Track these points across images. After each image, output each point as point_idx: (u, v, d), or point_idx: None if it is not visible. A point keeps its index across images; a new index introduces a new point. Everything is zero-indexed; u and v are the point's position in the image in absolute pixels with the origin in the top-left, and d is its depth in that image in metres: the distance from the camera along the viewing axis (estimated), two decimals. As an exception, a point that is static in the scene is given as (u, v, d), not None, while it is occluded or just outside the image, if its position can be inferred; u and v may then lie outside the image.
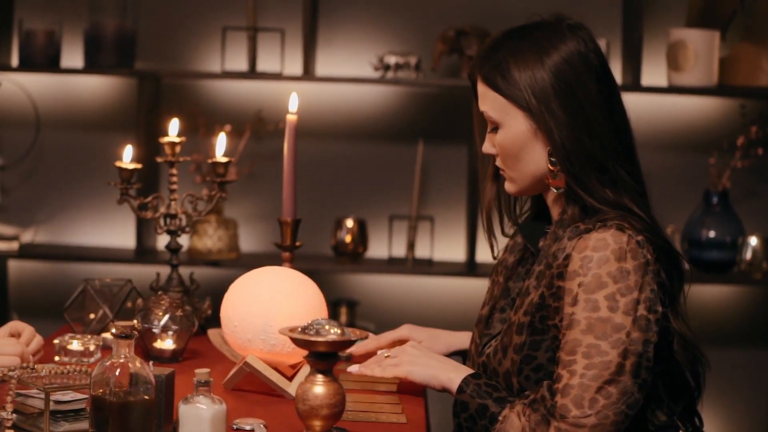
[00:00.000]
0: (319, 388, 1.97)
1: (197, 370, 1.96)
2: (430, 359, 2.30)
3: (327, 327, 1.97)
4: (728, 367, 4.46)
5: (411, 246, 4.37)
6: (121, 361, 1.87)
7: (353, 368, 2.37)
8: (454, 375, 2.22)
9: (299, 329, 1.99)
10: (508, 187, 2.28)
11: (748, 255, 4.29)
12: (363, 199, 4.48)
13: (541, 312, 2.16)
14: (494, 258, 2.42)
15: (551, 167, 2.19)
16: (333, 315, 4.25)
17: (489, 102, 2.23)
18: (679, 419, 2.25)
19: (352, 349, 2.52)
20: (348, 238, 4.34)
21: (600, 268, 2.08)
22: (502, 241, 2.41)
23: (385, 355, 2.35)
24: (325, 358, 1.97)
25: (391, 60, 4.24)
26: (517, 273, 2.34)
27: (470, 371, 2.23)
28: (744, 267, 4.29)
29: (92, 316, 2.79)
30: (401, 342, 2.54)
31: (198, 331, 2.71)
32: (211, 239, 4.28)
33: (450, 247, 4.48)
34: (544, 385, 2.11)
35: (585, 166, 2.15)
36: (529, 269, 2.31)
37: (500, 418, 2.12)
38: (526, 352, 2.17)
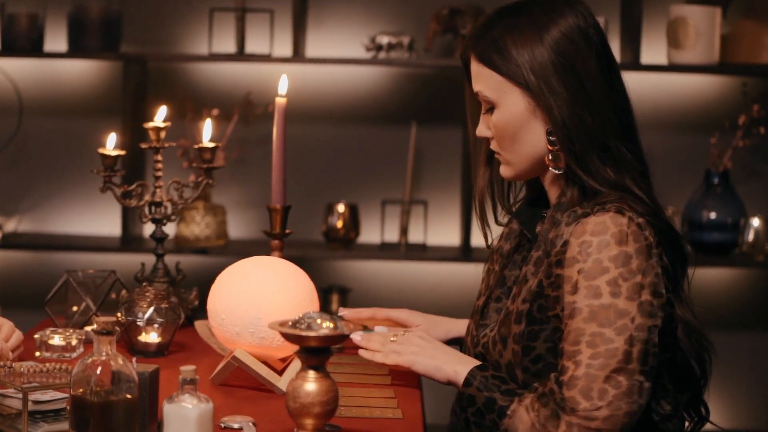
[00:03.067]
0: (311, 384, 1.89)
1: (182, 368, 1.89)
2: (435, 350, 2.22)
3: (319, 321, 1.90)
4: (730, 350, 4.45)
5: (404, 231, 4.34)
6: (103, 358, 1.82)
7: (356, 335, 2.29)
8: (459, 367, 2.15)
9: (290, 323, 1.92)
10: (504, 171, 2.21)
11: (750, 236, 4.28)
12: (355, 184, 4.44)
13: (539, 301, 2.10)
14: (488, 247, 2.35)
15: (551, 147, 2.11)
16: (324, 303, 4.21)
17: (484, 80, 2.16)
18: (684, 409, 2.20)
19: (344, 313, 2.45)
20: (339, 224, 4.29)
21: (600, 253, 2.01)
22: (496, 230, 2.35)
23: (391, 338, 2.27)
24: (317, 354, 1.90)
25: (384, 40, 4.21)
26: (513, 261, 2.29)
27: (477, 362, 2.16)
28: (746, 249, 4.29)
29: (75, 308, 2.74)
30: (396, 323, 2.47)
31: (185, 323, 2.67)
32: (198, 226, 4.23)
33: (444, 232, 4.45)
34: (552, 378, 2.04)
35: (586, 144, 2.10)
36: (525, 256, 2.25)
37: (509, 412, 2.06)
38: (524, 343, 2.11)
